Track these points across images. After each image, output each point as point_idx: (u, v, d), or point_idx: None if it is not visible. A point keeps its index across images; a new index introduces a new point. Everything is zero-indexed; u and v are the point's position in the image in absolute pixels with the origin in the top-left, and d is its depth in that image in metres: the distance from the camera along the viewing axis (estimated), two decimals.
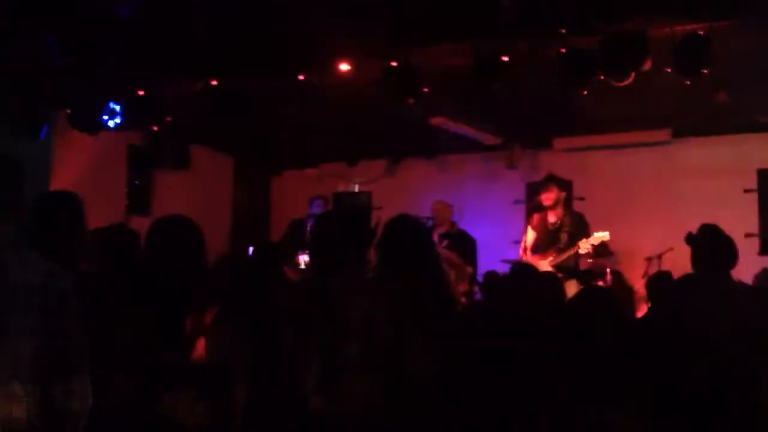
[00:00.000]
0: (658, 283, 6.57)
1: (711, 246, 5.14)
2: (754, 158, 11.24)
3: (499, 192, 12.68)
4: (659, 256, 10.41)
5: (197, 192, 12.30)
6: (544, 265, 8.72)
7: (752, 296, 5.07)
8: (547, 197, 9.15)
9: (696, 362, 3.24)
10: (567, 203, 9.56)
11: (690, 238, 5.30)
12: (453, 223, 10.38)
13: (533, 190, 11.04)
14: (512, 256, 10.07)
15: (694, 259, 5.20)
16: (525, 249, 9.34)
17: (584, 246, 8.78)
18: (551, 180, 9.35)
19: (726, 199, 10.99)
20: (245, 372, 4.07)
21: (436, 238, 10.07)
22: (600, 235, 8.84)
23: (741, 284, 5.47)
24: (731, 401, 3.09)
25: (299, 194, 12.61)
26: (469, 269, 9.66)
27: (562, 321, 3.53)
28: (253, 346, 4.02)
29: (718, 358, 3.23)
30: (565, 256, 8.86)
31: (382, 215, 8.71)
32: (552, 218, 9.12)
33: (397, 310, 3.74)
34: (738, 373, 3.31)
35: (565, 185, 9.46)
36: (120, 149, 11.69)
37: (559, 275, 7.63)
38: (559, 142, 12.25)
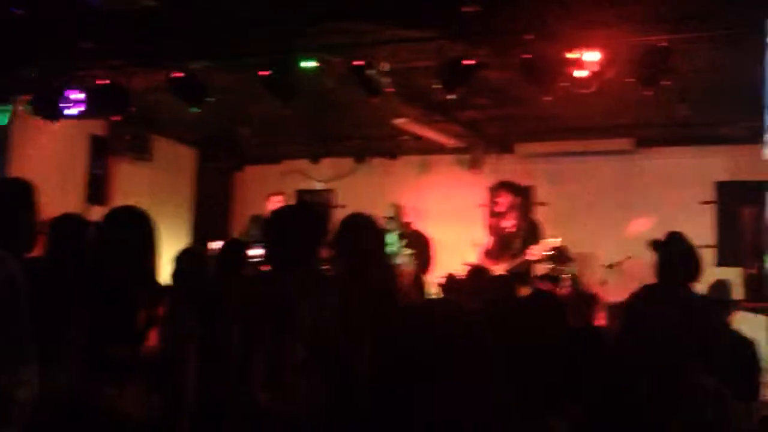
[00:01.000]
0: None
1: (678, 256, 5.05)
2: (712, 171, 11.42)
3: (462, 195, 12.74)
4: (618, 264, 10.53)
5: (158, 184, 12.26)
6: (499, 270, 8.77)
7: (707, 310, 5.06)
8: (500, 203, 9.20)
9: (641, 373, 3.29)
10: (524, 209, 9.61)
11: (656, 245, 5.18)
12: (407, 224, 10.44)
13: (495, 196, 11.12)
14: (474, 259, 10.15)
15: (658, 268, 5.05)
16: (483, 254, 9.39)
17: (533, 252, 8.80)
18: (503, 186, 9.38)
19: (684, 210, 11.13)
20: (195, 365, 4.09)
21: (396, 236, 10.14)
22: (552, 241, 8.87)
23: (700, 298, 5.45)
24: (673, 414, 3.15)
25: (261, 190, 12.59)
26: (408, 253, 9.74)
27: (509, 323, 3.59)
28: (203, 341, 4.04)
29: (665, 371, 3.29)
30: (517, 261, 8.90)
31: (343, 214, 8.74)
32: (506, 224, 9.17)
33: (346, 310, 3.77)
34: (683, 387, 3.36)
35: (520, 190, 9.48)
36: (81, 138, 11.61)
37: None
38: (521, 148, 12.35)
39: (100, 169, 12.00)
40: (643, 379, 3.05)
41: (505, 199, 9.16)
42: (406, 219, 10.46)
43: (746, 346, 6.56)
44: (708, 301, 5.87)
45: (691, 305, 4.89)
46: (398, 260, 9.74)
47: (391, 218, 10.17)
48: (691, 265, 5.05)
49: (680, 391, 2.94)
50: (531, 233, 9.04)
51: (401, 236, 10.05)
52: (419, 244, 10.13)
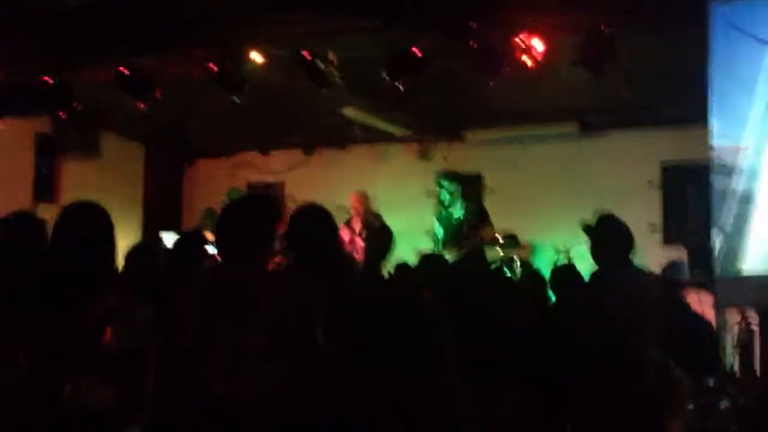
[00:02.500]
0: (561, 274, 6.74)
1: (607, 236, 5.20)
2: (658, 152, 11.58)
3: (412, 184, 12.79)
4: (568, 250, 10.65)
5: (107, 180, 12.15)
6: (451, 257, 8.86)
7: (647, 287, 5.20)
8: (442, 193, 9.33)
9: (589, 351, 3.38)
10: (470, 196, 9.71)
11: (586, 228, 5.34)
12: (375, 215, 10.49)
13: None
14: (425, 247, 10.21)
15: (592, 250, 5.22)
16: (435, 241, 9.48)
17: (482, 236, 8.95)
18: (443, 176, 9.54)
19: (631, 192, 11.29)
20: (153, 358, 4.10)
21: (357, 227, 10.19)
22: (488, 227, 9.05)
23: (639, 274, 5.58)
24: (620, 387, 3.24)
25: (212, 184, 12.59)
26: (362, 246, 9.82)
27: (461, 306, 3.66)
28: (160, 333, 4.05)
29: (609, 346, 3.38)
30: (468, 247, 8.98)
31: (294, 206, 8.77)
32: (454, 212, 9.29)
33: (302, 300, 3.81)
34: (628, 361, 3.46)
35: (461, 178, 9.59)
36: (27, 136, 11.49)
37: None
38: (471, 135, 12.41)
39: (47, 167, 11.89)
40: (589, 353, 3.15)
41: (446, 189, 9.27)
42: (368, 209, 10.52)
43: (702, 324, 6.72)
44: (648, 278, 6.00)
45: (631, 283, 5.03)
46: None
47: (347, 209, 10.24)
48: (624, 244, 5.21)
49: (623, 361, 3.03)
50: (477, 218, 9.14)
51: (361, 227, 10.12)
52: (380, 236, 10.17)
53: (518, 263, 10.58)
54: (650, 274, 6.13)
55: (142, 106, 9.21)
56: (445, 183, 9.32)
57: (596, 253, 5.17)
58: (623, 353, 3.15)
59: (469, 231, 9.05)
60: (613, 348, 3.15)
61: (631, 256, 5.22)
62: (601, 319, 3.40)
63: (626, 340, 3.28)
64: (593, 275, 5.26)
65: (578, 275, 6.24)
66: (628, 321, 3.23)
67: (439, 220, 9.52)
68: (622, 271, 5.03)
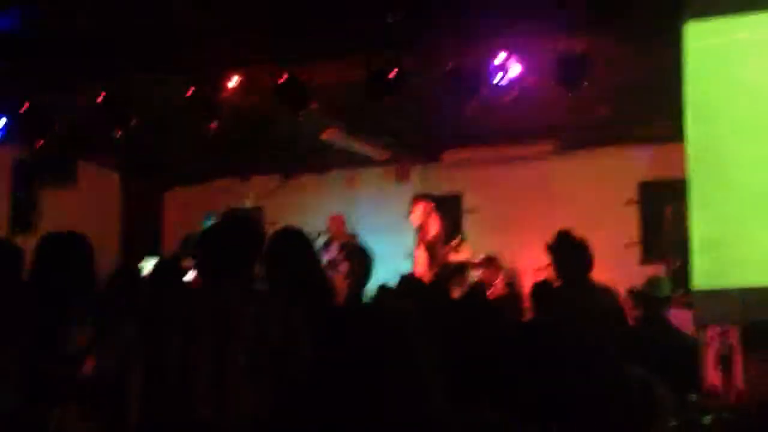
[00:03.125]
0: (539, 290, 6.78)
1: (567, 253, 5.33)
2: (635, 171, 11.64)
3: (392, 207, 12.79)
4: (547, 267, 10.64)
5: (84, 209, 12.05)
6: (430, 277, 8.86)
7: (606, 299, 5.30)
8: (413, 218, 9.36)
9: (567, 369, 3.38)
10: (443, 214, 9.76)
11: (549, 247, 5.49)
12: (352, 236, 10.51)
13: None
14: (404, 269, 10.21)
15: (555, 268, 5.39)
16: (415, 263, 9.48)
17: (458, 254, 8.98)
18: (416, 198, 9.59)
19: (609, 211, 11.35)
20: (137, 384, 4.07)
21: (335, 249, 10.19)
22: (455, 242, 9.08)
23: (604, 290, 5.68)
24: (603, 405, 3.24)
25: (191, 211, 12.53)
26: (344, 269, 9.83)
27: (440, 323, 3.66)
28: (143, 358, 4.02)
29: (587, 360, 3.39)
30: (444, 268, 9.00)
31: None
32: (430, 233, 9.31)
33: (287, 317, 3.80)
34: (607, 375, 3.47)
35: (434, 198, 9.64)
36: (4, 164, 11.42)
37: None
38: (448, 156, 12.43)
39: (25, 196, 11.79)
40: (567, 369, 3.15)
41: (418, 211, 9.29)
42: (346, 232, 10.55)
43: (683, 339, 6.74)
44: (612, 294, 6.08)
45: (596, 298, 5.15)
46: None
47: (325, 233, 10.26)
48: (583, 259, 5.35)
49: (604, 378, 3.03)
50: (451, 236, 9.19)
51: (339, 250, 10.13)
52: (359, 259, 10.17)
53: (496, 283, 10.60)
54: (608, 289, 6.17)
55: (119, 133, 9.17)
56: (416, 204, 9.36)
57: (557, 270, 5.34)
58: (599, 369, 3.15)
59: (445, 252, 9.07)
60: (586, 365, 3.15)
61: (585, 270, 5.37)
62: (567, 335, 3.42)
63: (604, 355, 3.28)
64: (555, 291, 5.40)
65: (556, 291, 6.29)
66: (579, 337, 3.25)
67: (418, 243, 9.53)
68: (579, 287, 5.16)
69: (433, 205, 9.36)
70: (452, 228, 9.44)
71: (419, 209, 9.29)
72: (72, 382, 3.97)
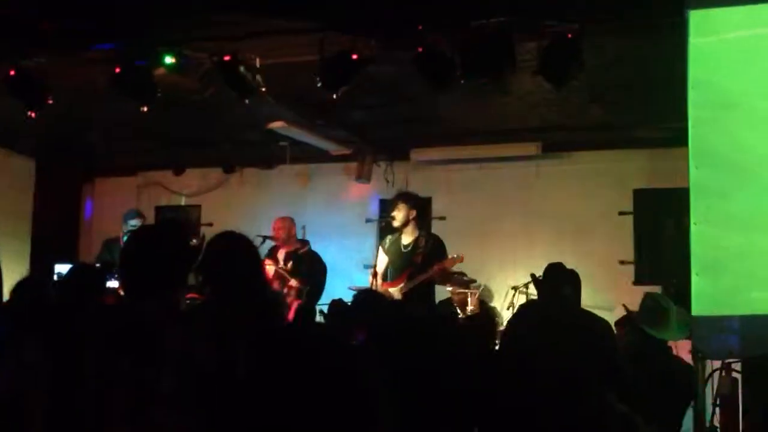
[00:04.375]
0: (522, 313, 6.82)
1: (555, 288, 5.45)
2: (630, 177, 11.72)
3: (349, 209, 12.81)
4: (526, 285, 10.68)
5: None
6: (396, 293, 8.88)
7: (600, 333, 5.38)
8: (395, 216, 9.30)
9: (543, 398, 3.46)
10: (423, 223, 9.77)
11: (536, 282, 5.62)
12: (303, 243, 10.51)
13: (388, 208, 11.24)
14: (362, 282, 10.24)
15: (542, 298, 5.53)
16: (375, 275, 9.46)
17: (434, 271, 8.95)
18: (399, 197, 9.53)
19: (600, 222, 11.44)
20: (38, 415, 4.05)
21: (281, 257, 10.20)
22: (454, 257, 9.04)
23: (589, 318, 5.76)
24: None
25: (115, 206, 12.47)
26: (294, 283, 9.84)
27: (401, 351, 3.69)
28: (47, 384, 4.01)
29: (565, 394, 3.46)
30: (416, 281, 8.99)
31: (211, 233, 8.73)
32: (405, 240, 9.28)
33: (219, 338, 3.81)
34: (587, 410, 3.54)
35: (417, 202, 9.62)
36: None
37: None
38: (417, 154, 12.46)
39: None
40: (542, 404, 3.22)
41: (399, 212, 9.27)
42: (293, 237, 10.54)
43: (683, 371, 6.79)
44: (596, 322, 6.16)
45: (581, 329, 5.23)
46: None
47: (271, 237, 10.25)
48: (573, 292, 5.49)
49: (580, 416, 3.11)
50: (434, 249, 9.16)
51: (287, 258, 10.15)
52: (310, 269, 10.20)
53: (469, 302, 10.64)
54: (596, 319, 6.25)
55: (33, 115, 9.11)
56: (399, 205, 9.33)
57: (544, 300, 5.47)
58: (571, 404, 3.23)
59: (422, 263, 9.06)
60: (561, 403, 3.23)
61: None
62: (541, 371, 3.49)
63: (584, 388, 3.36)
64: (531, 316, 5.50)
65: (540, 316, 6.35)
66: (554, 375, 3.33)
67: (384, 247, 9.51)
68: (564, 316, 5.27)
69: (416, 213, 9.34)
70: (430, 239, 9.40)
71: (401, 211, 9.26)
72: None
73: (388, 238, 9.55)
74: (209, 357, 3.72)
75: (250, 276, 4.63)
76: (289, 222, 10.61)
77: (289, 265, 10.19)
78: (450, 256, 9.07)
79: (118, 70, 8.58)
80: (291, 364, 2.58)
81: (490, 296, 11.55)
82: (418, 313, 7.72)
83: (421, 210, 9.58)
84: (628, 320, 6.84)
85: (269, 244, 10.35)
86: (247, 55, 8.31)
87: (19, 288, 5.94)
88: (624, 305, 7.01)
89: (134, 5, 7.58)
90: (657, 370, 6.21)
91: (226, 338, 3.77)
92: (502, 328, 11.24)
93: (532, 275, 5.84)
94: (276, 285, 9.79)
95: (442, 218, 12.14)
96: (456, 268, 9.55)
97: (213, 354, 3.72)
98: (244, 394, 3.57)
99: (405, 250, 9.27)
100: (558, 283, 5.65)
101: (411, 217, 9.27)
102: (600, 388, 3.40)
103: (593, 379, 3.26)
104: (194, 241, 4.27)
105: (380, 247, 9.68)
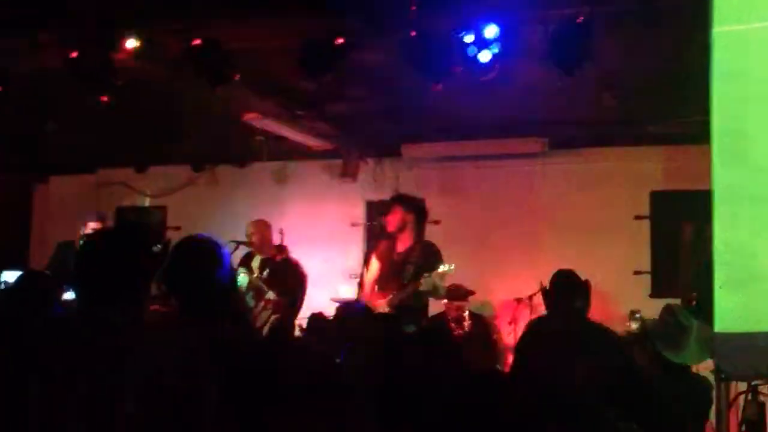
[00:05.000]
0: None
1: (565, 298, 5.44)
2: (646, 178, 11.74)
3: (332, 212, 12.81)
4: (530, 298, 10.68)
5: None
6: (383, 305, 8.84)
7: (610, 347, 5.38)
8: (390, 221, 9.26)
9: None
10: (418, 228, 9.74)
11: (545, 294, 5.62)
12: (280, 249, 10.49)
13: (376, 210, 11.22)
14: (346, 294, 10.23)
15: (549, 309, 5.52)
16: (362, 284, 9.44)
17: (427, 282, 8.90)
18: (395, 200, 9.49)
19: (613, 227, 11.44)
20: None
21: (255, 266, 10.19)
22: (444, 269, 8.98)
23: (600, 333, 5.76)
24: None
25: (71, 208, 12.46)
26: (271, 296, 9.83)
27: (386, 370, 3.69)
28: None
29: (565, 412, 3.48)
30: (405, 294, 8.95)
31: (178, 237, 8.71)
32: (399, 247, 9.26)
33: (186, 359, 3.80)
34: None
35: (416, 206, 9.59)
36: None
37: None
38: (409, 150, 12.44)
39: None
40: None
41: (394, 216, 9.24)
42: (273, 242, 10.53)
43: (701, 387, 6.79)
44: (612, 337, 6.16)
45: (591, 342, 5.22)
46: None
47: (245, 243, 10.24)
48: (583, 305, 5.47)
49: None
50: (427, 259, 9.12)
51: (263, 267, 10.13)
52: (288, 280, 10.18)
53: (466, 317, 10.64)
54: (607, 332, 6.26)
55: None
56: (394, 208, 9.30)
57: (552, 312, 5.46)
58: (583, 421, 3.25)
59: (414, 273, 9.03)
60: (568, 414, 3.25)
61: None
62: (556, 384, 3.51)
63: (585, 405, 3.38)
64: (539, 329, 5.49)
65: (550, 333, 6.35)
66: (590, 386, 3.34)
67: (378, 253, 9.47)
68: (577, 326, 5.25)
69: (413, 218, 9.30)
70: (425, 247, 9.37)
71: (396, 215, 9.23)
72: None
73: (383, 244, 9.51)
74: (176, 376, 3.70)
75: (219, 287, 4.62)
76: (263, 226, 10.60)
77: (265, 273, 10.18)
78: (440, 267, 9.00)
79: (74, 54, 8.55)
80: (261, 385, 2.57)
81: (489, 309, 11.55)
82: (408, 330, 7.72)
83: (420, 215, 9.53)
84: (638, 339, 6.87)
85: (244, 250, 10.36)
86: (219, 39, 8.29)
87: None
88: (641, 317, 7.03)
89: None
90: (671, 393, 6.22)
91: (194, 356, 3.76)
92: (501, 344, 11.37)
93: (542, 285, 5.80)
94: (251, 297, 9.78)
95: (436, 222, 12.12)
96: (451, 278, 9.53)
97: (180, 373, 3.71)
98: (213, 416, 3.58)
99: (397, 259, 9.25)
100: (570, 296, 5.62)
101: (407, 223, 9.24)
102: (600, 405, 3.40)
103: (600, 397, 3.29)
104: (157, 246, 4.24)
105: (372, 254, 9.64)
